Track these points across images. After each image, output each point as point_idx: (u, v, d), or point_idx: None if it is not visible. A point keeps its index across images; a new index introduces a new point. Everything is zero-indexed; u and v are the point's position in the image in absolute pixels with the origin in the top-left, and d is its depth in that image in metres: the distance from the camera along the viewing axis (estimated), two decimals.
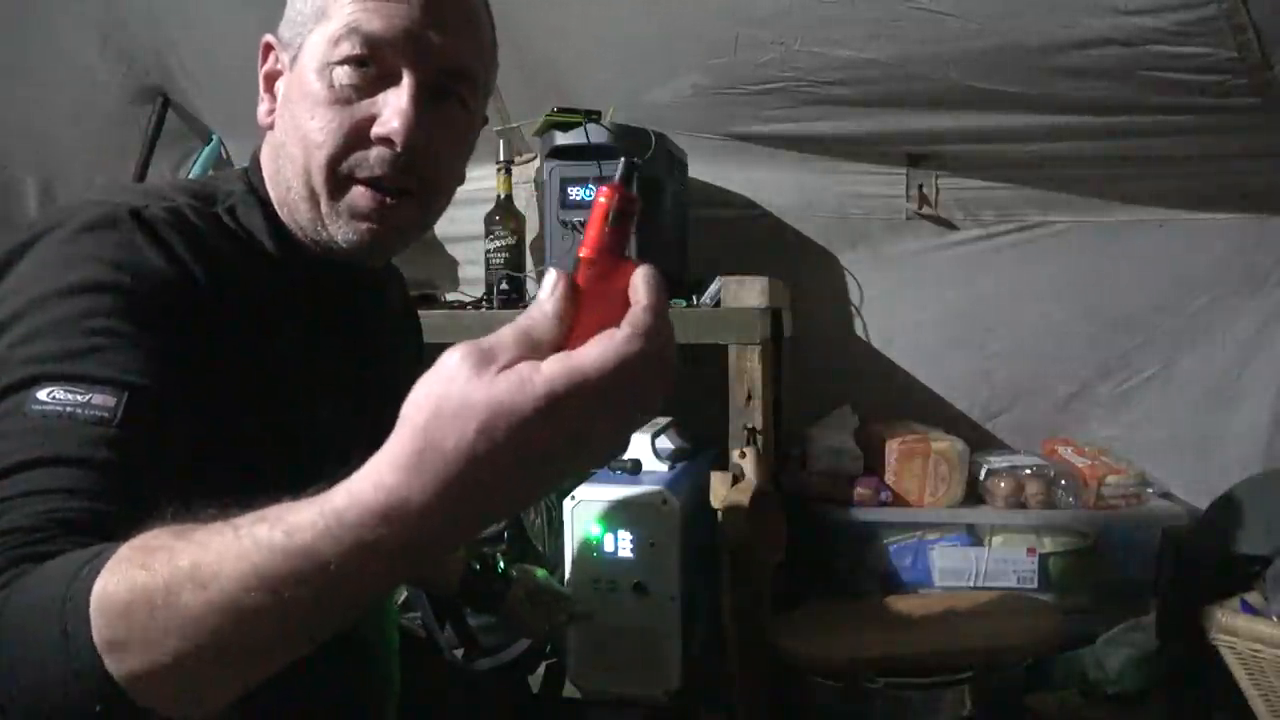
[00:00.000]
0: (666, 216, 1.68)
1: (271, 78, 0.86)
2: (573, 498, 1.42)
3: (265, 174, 0.87)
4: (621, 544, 1.40)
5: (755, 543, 1.37)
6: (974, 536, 1.69)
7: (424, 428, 0.50)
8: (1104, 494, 1.66)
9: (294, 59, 0.83)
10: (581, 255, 0.53)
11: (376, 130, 0.80)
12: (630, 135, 1.60)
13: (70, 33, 1.86)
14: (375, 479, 0.51)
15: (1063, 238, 1.91)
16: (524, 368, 0.49)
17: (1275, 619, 1.31)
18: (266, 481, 0.55)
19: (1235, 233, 1.84)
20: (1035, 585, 1.66)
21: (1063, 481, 1.67)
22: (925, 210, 1.93)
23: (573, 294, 0.52)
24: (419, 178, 0.82)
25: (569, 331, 0.51)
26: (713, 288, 1.56)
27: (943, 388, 1.97)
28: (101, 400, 0.64)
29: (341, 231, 0.83)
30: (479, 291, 1.84)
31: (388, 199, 0.82)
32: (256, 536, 0.52)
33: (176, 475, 0.66)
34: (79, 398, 0.63)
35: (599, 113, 1.61)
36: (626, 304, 0.51)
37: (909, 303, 1.97)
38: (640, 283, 0.52)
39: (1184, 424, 1.88)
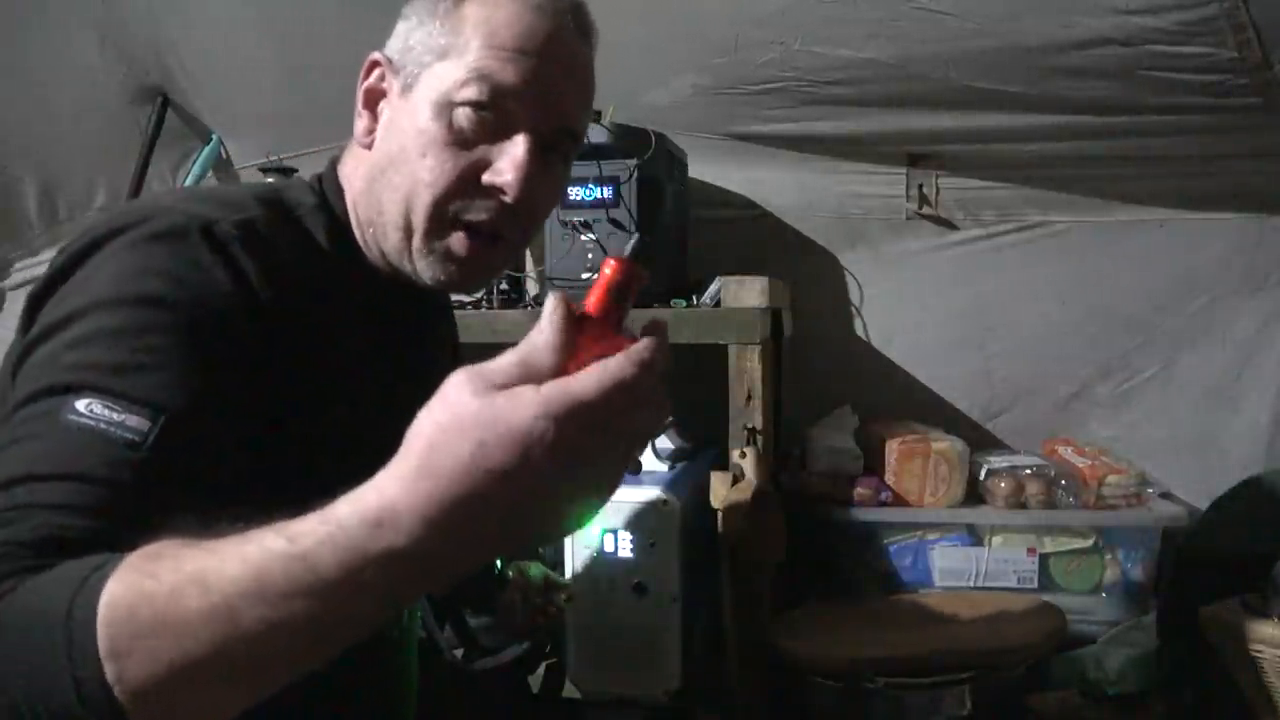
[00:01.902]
0: (666, 216, 1.68)
1: (374, 96, 0.85)
2: None
3: (350, 189, 0.87)
4: (621, 544, 1.40)
5: (755, 543, 1.37)
6: (974, 536, 1.69)
7: (424, 446, 0.51)
8: (1104, 494, 1.66)
9: (407, 87, 0.82)
10: (587, 308, 0.56)
11: (491, 179, 0.80)
12: (630, 135, 1.60)
13: (70, 33, 1.86)
14: (376, 489, 0.52)
15: (1063, 238, 1.91)
16: (522, 390, 0.51)
17: (1275, 619, 1.31)
18: (319, 492, 0.55)
19: (1235, 233, 1.84)
20: (1035, 585, 1.66)
21: (1063, 481, 1.67)
22: (925, 210, 1.93)
23: (570, 325, 0.54)
24: (519, 227, 0.84)
25: (565, 363, 0.53)
26: (713, 288, 1.56)
27: (943, 388, 1.97)
28: (136, 422, 0.63)
29: (430, 269, 0.83)
30: (479, 291, 1.84)
31: (484, 245, 0.83)
32: (261, 543, 0.52)
33: (215, 494, 0.66)
34: (115, 415, 0.63)
35: (599, 113, 1.61)
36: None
37: (909, 303, 1.97)
38: (648, 332, 0.55)
39: (1184, 424, 1.88)
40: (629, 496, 1.41)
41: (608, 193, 1.58)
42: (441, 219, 0.81)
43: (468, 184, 0.81)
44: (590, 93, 0.87)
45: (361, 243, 0.87)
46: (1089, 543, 1.66)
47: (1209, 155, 1.76)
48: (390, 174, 0.82)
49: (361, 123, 0.85)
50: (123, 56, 1.92)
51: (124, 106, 1.99)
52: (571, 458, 0.50)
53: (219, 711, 0.55)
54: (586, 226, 1.58)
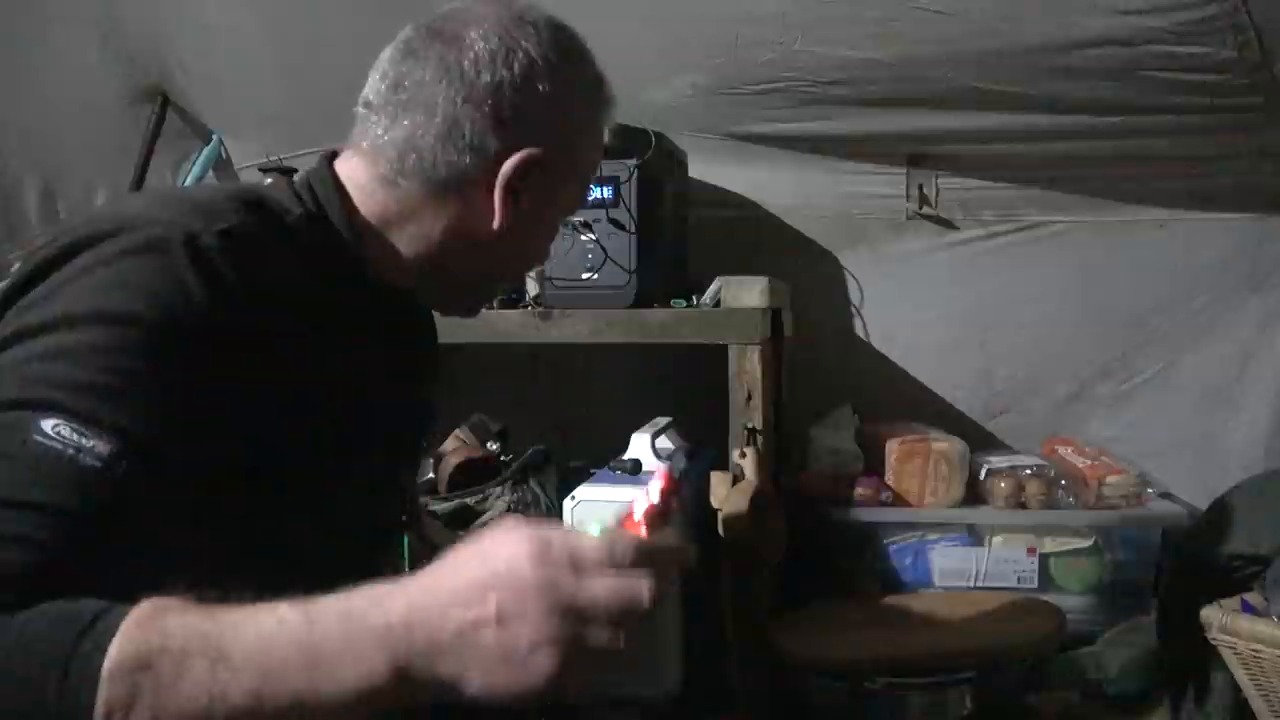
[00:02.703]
0: (667, 216, 1.68)
1: (518, 189, 0.84)
2: (573, 498, 1.42)
3: (366, 197, 0.85)
4: None
5: (755, 543, 1.37)
6: (974, 536, 1.69)
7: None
8: (1104, 494, 1.66)
9: (548, 192, 0.86)
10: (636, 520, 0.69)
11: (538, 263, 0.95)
12: (630, 135, 1.60)
13: (70, 33, 1.86)
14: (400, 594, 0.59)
15: (1063, 238, 1.91)
16: (562, 577, 0.58)
17: (1275, 619, 1.31)
18: (303, 499, 0.56)
19: (1236, 233, 1.84)
20: (1035, 585, 1.66)
21: (1063, 481, 1.67)
22: (925, 210, 1.93)
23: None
24: None
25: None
26: (713, 288, 1.56)
27: (943, 388, 1.97)
28: (102, 448, 0.63)
29: (451, 309, 0.94)
30: None
31: None
32: (279, 614, 0.57)
33: (188, 515, 0.67)
34: (82, 440, 0.62)
35: None
36: None
37: (909, 303, 1.97)
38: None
39: (1184, 424, 1.88)
40: (629, 496, 1.41)
41: (608, 193, 1.58)
42: None
43: None
44: None
45: (384, 266, 0.85)
46: (1089, 543, 1.66)
47: (1209, 155, 1.77)
48: (502, 252, 0.87)
49: (502, 214, 0.84)
50: (123, 56, 1.92)
51: (124, 106, 1.99)
52: (554, 635, 0.56)
53: None
54: (586, 226, 1.58)
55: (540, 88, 0.82)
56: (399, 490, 0.98)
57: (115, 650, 0.53)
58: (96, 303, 0.67)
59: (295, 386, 0.76)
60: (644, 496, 0.72)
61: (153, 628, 0.54)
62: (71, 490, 0.61)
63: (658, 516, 0.70)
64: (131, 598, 0.59)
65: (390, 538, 1.00)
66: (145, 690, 0.53)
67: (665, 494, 0.72)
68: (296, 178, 0.87)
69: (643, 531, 0.68)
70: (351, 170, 0.86)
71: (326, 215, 0.84)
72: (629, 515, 0.70)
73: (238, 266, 0.72)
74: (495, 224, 0.84)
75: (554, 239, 0.93)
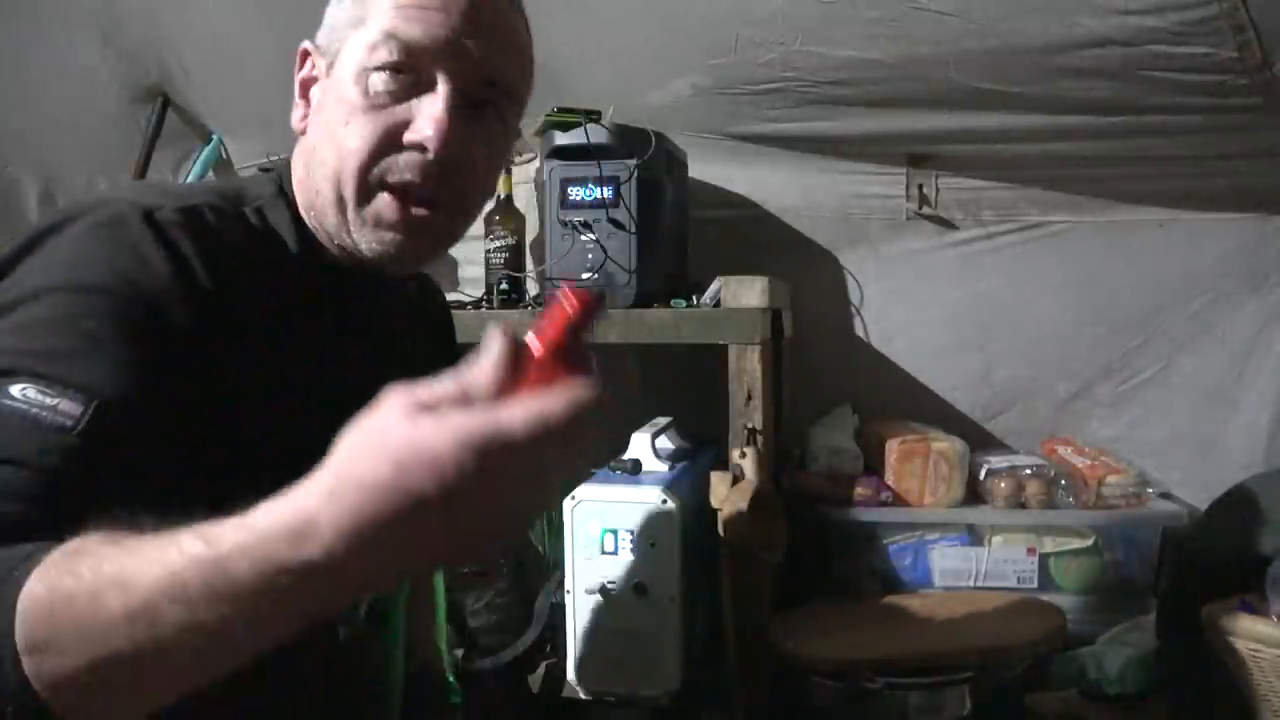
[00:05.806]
0: (667, 216, 1.68)
1: (307, 84, 0.87)
2: (573, 498, 1.42)
3: (295, 178, 0.87)
4: (621, 544, 1.40)
5: (755, 543, 1.37)
6: (974, 536, 1.69)
7: (346, 458, 0.52)
8: (1104, 494, 1.66)
9: (330, 65, 0.83)
10: (534, 349, 0.55)
11: (409, 136, 0.79)
12: (630, 135, 1.60)
13: (70, 33, 1.86)
14: (294, 500, 0.52)
15: (1063, 238, 1.91)
16: (449, 416, 0.50)
17: (1275, 619, 1.31)
18: (266, 484, 0.55)
19: (1236, 233, 1.84)
20: (1035, 585, 1.66)
21: (1063, 481, 1.67)
22: (925, 210, 1.93)
23: (513, 361, 0.53)
24: (451, 189, 0.82)
25: (503, 394, 0.53)
26: (713, 288, 1.56)
27: (943, 388, 1.97)
28: (69, 407, 0.64)
29: (366, 241, 0.82)
30: (479, 291, 1.84)
31: (414, 209, 0.81)
32: (180, 545, 0.53)
33: (153, 481, 0.66)
34: (48, 400, 0.64)
35: (599, 112, 1.61)
36: None
37: (909, 303, 1.97)
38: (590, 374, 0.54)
39: (1184, 424, 1.88)
40: (629, 496, 1.41)
41: (608, 193, 1.58)
42: (368, 184, 0.80)
43: (390, 145, 0.80)
44: (518, 48, 0.86)
45: (319, 230, 0.86)
46: (1089, 542, 1.66)
47: (1209, 155, 1.76)
48: (320, 151, 0.83)
49: (297, 111, 0.87)
50: (123, 56, 1.92)
51: (124, 106, 1.99)
52: (489, 488, 0.50)
53: (137, 707, 0.56)
54: (586, 226, 1.58)
55: None
56: None
57: (28, 589, 0.54)
58: (61, 276, 0.70)
59: (260, 363, 0.76)
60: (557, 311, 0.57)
61: (65, 566, 0.55)
62: (38, 448, 0.62)
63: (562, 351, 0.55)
64: None
65: None
66: (61, 624, 0.53)
67: (564, 327, 0.56)
68: (278, 162, 0.90)
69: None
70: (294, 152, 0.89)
71: (289, 197, 0.86)
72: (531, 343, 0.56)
73: (197, 240, 0.74)
74: (299, 121, 0.87)
75: (359, 117, 0.80)
